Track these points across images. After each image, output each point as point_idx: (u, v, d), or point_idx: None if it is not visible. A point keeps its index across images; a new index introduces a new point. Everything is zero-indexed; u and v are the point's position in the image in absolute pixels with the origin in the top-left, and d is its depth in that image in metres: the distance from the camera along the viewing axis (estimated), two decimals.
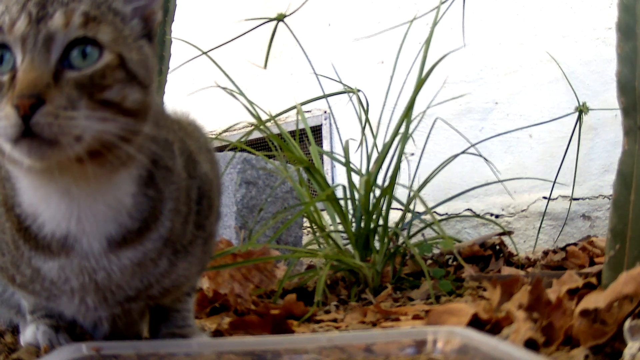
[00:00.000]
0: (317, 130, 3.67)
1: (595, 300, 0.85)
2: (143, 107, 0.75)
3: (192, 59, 1.89)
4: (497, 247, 2.03)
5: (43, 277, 0.81)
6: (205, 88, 1.93)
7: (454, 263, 1.93)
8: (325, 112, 3.65)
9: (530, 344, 0.85)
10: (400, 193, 1.95)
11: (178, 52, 1.90)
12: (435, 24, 1.90)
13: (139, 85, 0.75)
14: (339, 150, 2.24)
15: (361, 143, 1.93)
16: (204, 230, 0.90)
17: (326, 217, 1.94)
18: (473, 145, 2.11)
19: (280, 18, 1.93)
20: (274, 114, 2.04)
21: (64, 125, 0.67)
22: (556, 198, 2.82)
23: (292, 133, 2.18)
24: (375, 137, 1.94)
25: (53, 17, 0.70)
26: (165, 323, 0.96)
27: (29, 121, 0.66)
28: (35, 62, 0.69)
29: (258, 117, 1.94)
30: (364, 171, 1.87)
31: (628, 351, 0.77)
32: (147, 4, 0.82)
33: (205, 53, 1.87)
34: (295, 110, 2.06)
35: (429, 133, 2.10)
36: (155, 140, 0.79)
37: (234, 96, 1.98)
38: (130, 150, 0.73)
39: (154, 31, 0.83)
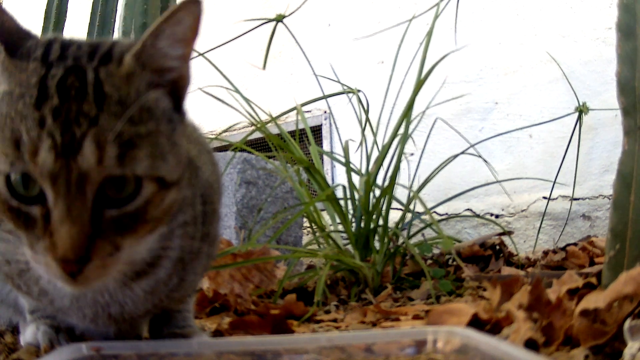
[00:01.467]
0: (317, 130, 3.67)
1: (595, 300, 0.85)
2: (176, 201, 0.71)
3: (191, 59, 1.88)
4: (497, 247, 2.03)
5: (52, 299, 0.81)
6: (206, 87, 1.92)
7: (454, 263, 1.93)
8: (325, 112, 3.65)
9: (530, 344, 0.85)
10: (400, 193, 1.95)
11: None
12: (433, 24, 1.90)
13: (175, 186, 0.69)
14: (339, 150, 2.24)
15: (361, 143, 1.93)
16: (208, 237, 0.89)
17: (326, 217, 1.94)
18: (472, 146, 2.10)
19: (279, 19, 1.93)
20: (274, 114, 2.04)
21: (111, 267, 0.65)
22: (556, 198, 2.82)
23: (292, 133, 2.18)
24: (375, 137, 1.94)
25: (83, 149, 0.61)
26: (165, 323, 0.96)
27: (74, 275, 0.63)
28: (73, 211, 0.62)
29: (260, 121, 1.94)
30: (363, 171, 1.87)
31: (628, 351, 0.77)
32: (178, 72, 0.72)
33: (202, 54, 1.87)
34: (295, 110, 2.06)
35: (429, 133, 2.10)
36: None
37: (226, 104, 1.98)
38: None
39: (183, 98, 0.73)
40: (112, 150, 0.62)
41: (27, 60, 0.66)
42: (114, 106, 0.64)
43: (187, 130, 0.97)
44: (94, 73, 0.65)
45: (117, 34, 1.82)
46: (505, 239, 2.05)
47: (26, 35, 0.70)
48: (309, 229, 2.46)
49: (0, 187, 0.64)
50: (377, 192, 1.82)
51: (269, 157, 2.19)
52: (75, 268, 0.62)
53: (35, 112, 0.62)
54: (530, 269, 1.84)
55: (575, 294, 0.96)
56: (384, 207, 1.81)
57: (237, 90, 1.96)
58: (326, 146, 3.63)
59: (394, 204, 1.89)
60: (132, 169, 0.63)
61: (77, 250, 0.61)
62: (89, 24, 2.24)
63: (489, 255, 1.99)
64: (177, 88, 0.72)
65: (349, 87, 2.02)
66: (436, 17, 1.90)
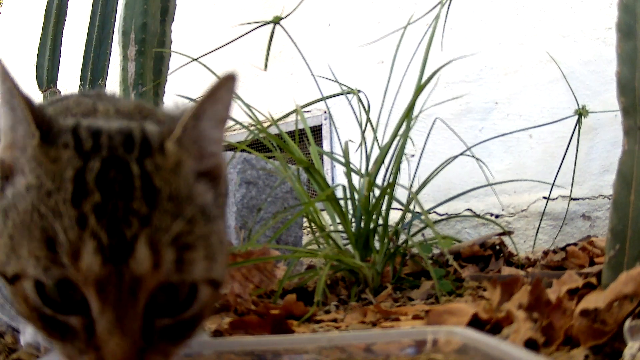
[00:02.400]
0: (317, 131, 3.68)
1: (595, 300, 0.85)
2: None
3: (190, 61, 1.89)
4: (497, 247, 2.03)
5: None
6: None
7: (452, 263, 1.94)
8: (325, 112, 3.65)
9: (530, 344, 0.85)
10: (401, 193, 1.95)
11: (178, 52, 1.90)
12: (433, 33, 1.90)
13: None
14: (338, 150, 2.24)
15: (361, 143, 1.93)
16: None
17: (326, 217, 1.94)
18: (470, 148, 2.10)
19: (276, 21, 1.93)
20: (274, 114, 2.04)
21: None
22: (556, 198, 2.82)
23: (292, 133, 2.18)
24: (375, 137, 1.94)
25: (136, 252, 0.54)
26: None
27: None
28: (123, 322, 0.54)
29: (260, 124, 1.94)
30: (363, 171, 1.87)
31: (628, 351, 0.77)
32: (215, 152, 0.65)
33: (196, 60, 1.87)
34: (295, 111, 2.06)
35: (429, 133, 2.10)
36: None
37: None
38: None
39: (222, 192, 0.66)
40: (170, 253, 0.55)
41: (58, 148, 0.58)
42: (166, 203, 0.57)
43: None
44: (139, 165, 0.58)
45: (117, 34, 1.83)
46: (505, 239, 2.05)
47: (53, 119, 0.61)
48: (309, 229, 2.46)
49: (30, 293, 0.56)
50: (377, 192, 1.82)
51: (269, 157, 2.19)
52: None
53: (73, 210, 0.54)
54: (530, 269, 1.84)
55: (575, 294, 0.96)
56: (384, 207, 1.81)
57: (238, 97, 1.96)
58: (326, 146, 3.63)
59: (394, 204, 1.89)
60: (190, 274, 0.57)
61: None
62: (89, 24, 2.24)
63: (489, 255, 1.99)
64: (215, 177, 0.65)
65: (348, 88, 2.02)
66: (434, 26, 1.90)
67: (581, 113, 2.20)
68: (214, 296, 0.61)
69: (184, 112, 0.62)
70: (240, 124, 1.94)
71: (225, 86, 0.62)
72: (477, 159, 2.07)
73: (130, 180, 0.57)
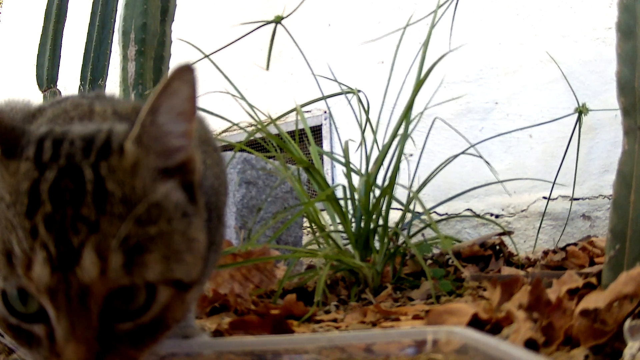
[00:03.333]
0: (317, 131, 3.67)
1: (595, 300, 0.85)
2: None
3: (194, 62, 1.89)
4: (497, 247, 2.03)
5: None
6: (207, 93, 1.92)
7: (454, 263, 1.94)
8: (325, 112, 3.65)
9: (530, 344, 0.85)
10: (401, 193, 1.95)
11: (179, 52, 1.90)
12: (432, 27, 1.90)
13: (198, 282, 0.63)
14: (338, 150, 2.24)
15: (361, 143, 1.93)
16: (214, 244, 0.87)
17: (326, 217, 1.94)
18: (472, 146, 2.10)
19: (278, 20, 1.93)
20: (274, 114, 2.04)
21: None
22: (556, 198, 2.82)
23: (292, 133, 2.18)
24: (375, 137, 1.94)
25: (82, 259, 0.54)
26: None
27: None
28: (78, 330, 0.55)
29: (260, 123, 1.94)
30: (363, 171, 1.87)
31: (628, 351, 0.77)
32: (185, 152, 0.63)
33: (207, 56, 1.87)
34: (295, 110, 2.06)
35: (429, 133, 2.10)
36: None
37: (221, 117, 1.98)
38: None
39: (196, 185, 0.64)
40: (117, 258, 0.55)
41: (19, 161, 0.59)
42: (117, 206, 0.56)
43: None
44: (93, 170, 0.58)
45: (117, 34, 1.83)
46: (505, 239, 2.05)
47: (21, 132, 0.61)
48: (309, 229, 2.46)
49: None
50: (377, 192, 1.82)
51: (269, 157, 2.19)
52: None
53: (27, 222, 0.55)
54: (530, 269, 1.84)
55: (575, 294, 0.96)
56: (384, 207, 1.81)
57: (241, 96, 1.96)
58: (326, 146, 3.63)
59: (394, 204, 1.89)
60: (142, 277, 0.56)
61: None
62: (89, 24, 2.24)
63: (489, 255, 1.99)
64: (187, 172, 0.64)
65: (349, 87, 2.02)
66: (433, 25, 1.90)
67: (581, 111, 2.20)
68: (180, 297, 0.60)
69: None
70: (237, 124, 1.94)
71: (179, 78, 0.60)
72: (480, 156, 2.07)
73: (82, 186, 0.56)
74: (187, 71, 0.60)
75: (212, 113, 1.76)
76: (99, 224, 0.55)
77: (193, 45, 1.87)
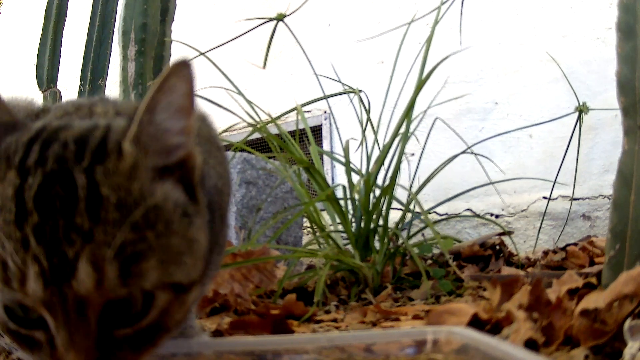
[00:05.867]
0: (317, 130, 3.67)
1: (595, 300, 0.85)
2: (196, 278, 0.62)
3: (191, 59, 1.89)
4: (497, 247, 2.03)
5: None
6: (205, 88, 1.92)
7: (454, 263, 1.94)
8: (325, 112, 3.65)
9: (530, 344, 0.85)
10: (401, 193, 1.95)
11: (179, 52, 1.90)
12: (435, 25, 1.90)
13: (199, 282, 0.62)
14: (339, 150, 2.24)
15: (361, 143, 1.93)
16: (217, 246, 0.87)
17: (326, 217, 1.94)
18: (470, 147, 2.10)
19: (280, 18, 1.93)
20: (274, 114, 2.04)
21: None
22: (556, 198, 2.82)
23: (292, 133, 2.18)
24: (376, 137, 1.94)
25: (77, 272, 0.53)
26: None
27: None
28: (76, 339, 0.55)
29: (260, 122, 1.94)
30: (364, 171, 1.87)
31: (628, 351, 0.77)
32: (185, 150, 0.62)
33: (203, 54, 1.87)
34: (295, 110, 2.06)
35: (429, 133, 2.10)
36: None
37: (223, 107, 1.98)
38: None
39: (196, 184, 0.63)
40: (113, 269, 0.53)
41: (7, 164, 0.56)
42: (112, 213, 0.54)
43: (196, 125, 0.93)
44: (86, 175, 0.55)
45: (117, 34, 1.83)
46: (505, 239, 2.05)
47: (15, 125, 0.60)
48: (309, 229, 2.46)
49: None
50: (378, 192, 1.82)
51: (269, 157, 2.19)
52: None
53: (17, 232, 0.53)
54: (530, 269, 1.84)
55: (575, 294, 0.96)
56: (384, 207, 1.81)
57: (239, 93, 1.96)
58: (326, 146, 3.63)
59: (395, 204, 1.89)
60: (140, 285, 0.55)
61: None
62: (89, 24, 2.24)
63: (489, 255, 1.99)
64: (187, 171, 0.62)
65: (350, 87, 2.02)
66: (436, 22, 1.90)
67: (582, 110, 2.20)
68: (180, 299, 0.59)
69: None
70: (244, 120, 1.94)
71: (175, 74, 0.58)
72: (480, 155, 2.07)
73: (75, 193, 0.54)
74: (183, 67, 0.59)
75: (217, 104, 1.75)
76: (94, 234, 0.53)
77: (190, 47, 1.87)
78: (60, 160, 0.56)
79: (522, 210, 3.02)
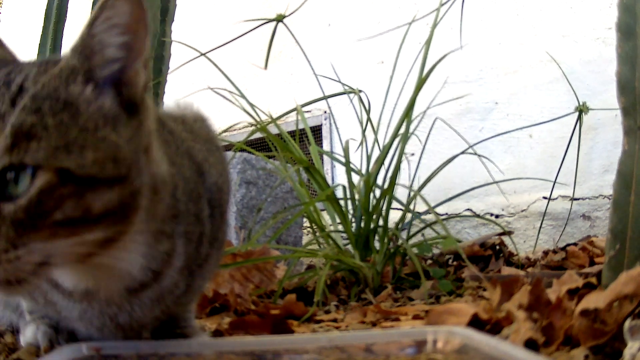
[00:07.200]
0: (317, 130, 3.67)
1: (595, 300, 0.85)
2: (125, 202, 0.66)
3: (191, 60, 1.89)
4: (497, 247, 2.03)
5: (59, 310, 0.81)
6: (205, 89, 1.92)
7: (455, 263, 1.94)
8: (325, 112, 3.65)
9: (530, 344, 0.85)
10: (401, 193, 1.95)
11: (178, 52, 1.90)
12: (435, 24, 1.90)
13: (106, 184, 0.65)
14: (338, 150, 2.24)
15: (361, 143, 1.93)
16: (217, 241, 0.88)
17: (326, 217, 1.94)
18: (472, 146, 2.10)
19: (280, 19, 1.93)
20: (274, 114, 2.04)
21: (12, 269, 0.62)
22: (556, 198, 2.82)
23: (292, 133, 2.18)
24: (375, 137, 1.94)
25: None
26: (166, 323, 0.96)
27: None
28: None
29: (260, 121, 1.94)
30: (364, 171, 1.87)
31: (628, 351, 0.77)
32: (124, 65, 0.68)
33: (204, 54, 1.87)
34: (295, 110, 2.06)
35: (429, 133, 2.10)
36: (161, 203, 0.73)
37: (230, 100, 1.98)
38: (122, 245, 0.69)
39: (139, 98, 0.69)
40: (5, 140, 0.61)
41: None
42: (28, 101, 0.63)
43: (195, 126, 0.95)
44: (24, 76, 0.65)
45: None
46: (505, 239, 2.05)
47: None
48: (309, 229, 2.46)
49: None
50: (378, 192, 1.82)
51: (269, 157, 2.19)
52: None
53: None
54: (530, 269, 1.85)
55: (575, 294, 0.96)
56: (384, 207, 1.81)
57: (241, 94, 1.96)
58: (326, 146, 3.63)
59: (394, 204, 1.89)
60: (19, 158, 0.61)
61: None
62: None
63: (489, 255, 1.99)
64: (124, 83, 0.69)
65: (350, 87, 2.02)
66: (435, 24, 1.90)
67: (582, 110, 2.21)
68: (77, 193, 0.62)
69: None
70: (252, 117, 1.94)
71: None
72: (480, 155, 2.07)
73: (9, 87, 0.64)
74: None
75: (219, 101, 1.75)
76: (4, 115, 0.62)
77: (191, 47, 1.87)
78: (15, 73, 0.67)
79: (522, 210, 3.02)
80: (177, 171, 0.79)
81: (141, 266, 0.75)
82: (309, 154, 2.07)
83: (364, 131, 1.94)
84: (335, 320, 1.30)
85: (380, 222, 1.81)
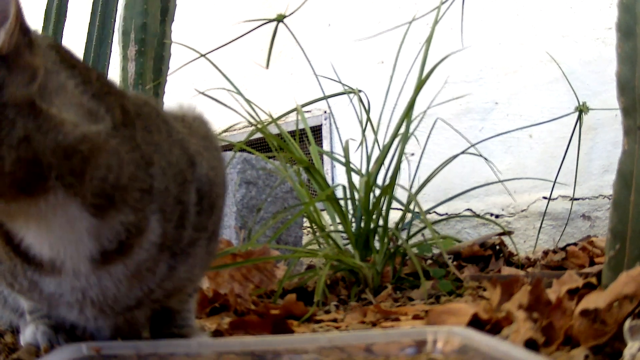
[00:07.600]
0: (317, 130, 3.67)
1: (595, 300, 0.85)
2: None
3: (192, 61, 1.89)
4: (497, 247, 2.03)
5: (41, 289, 0.80)
6: (207, 90, 1.92)
7: (454, 263, 1.94)
8: (325, 112, 3.65)
9: (530, 344, 0.85)
10: (401, 193, 1.95)
11: (179, 52, 1.90)
12: (436, 22, 1.90)
13: None
14: (339, 150, 2.24)
15: (361, 143, 1.93)
16: (205, 231, 0.89)
17: (326, 217, 1.94)
18: (473, 146, 2.10)
19: (280, 19, 1.93)
20: (274, 114, 2.04)
21: None
22: (556, 198, 2.82)
23: (292, 133, 2.18)
24: (375, 137, 1.94)
25: None
26: (165, 323, 0.96)
27: None
28: None
29: (260, 121, 1.94)
30: (364, 171, 1.87)
31: (628, 351, 0.77)
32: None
33: (204, 55, 1.87)
34: (295, 110, 2.06)
35: (429, 133, 2.10)
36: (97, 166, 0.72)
37: (227, 105, 1.98)
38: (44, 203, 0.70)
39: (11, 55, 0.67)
40: None
41: None
42: None
43: (194, 124, 0.96)
44: None
45: (117, 34, 1.82)
46: (505, 239, 2.05)
47: None
48: (309, 229, 2.46)
49: None
50: (378, 192, 1.82)
51: (269, 157, 2.19)
52: None
53: None
54: (530, 269, 1.84)
55: (575, 294, 0.96)
56: (384, 207, 1.81)
57: (239, 93, 1.96)
58: (326, 146, 3.63)
59: (395, 204, 1.89)
60: None
61: None
62: (89, 24, 2.24)
63: (489, 255, 1.99)
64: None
65: (350, 87, 2.02)
66: (436, 22, 1.90)
67: (582, 110, 2.21)
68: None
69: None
70: (238, 113, 1.93)
71: None
72: (480, 155, 2.07)
73: None
74: None
75: (218, 102, 1.76)
76: None
77: (189, 47, 1.87)
78: None
79: (522, 210, 3.02)
80: (156, 150, 0.79)
81: (90, 232, 0.75)
82: (309, 154, 2.07)
83: (364, 131, 1.94)
84: (335, 320, 1.30)
85: (380, 222, 1.81)
